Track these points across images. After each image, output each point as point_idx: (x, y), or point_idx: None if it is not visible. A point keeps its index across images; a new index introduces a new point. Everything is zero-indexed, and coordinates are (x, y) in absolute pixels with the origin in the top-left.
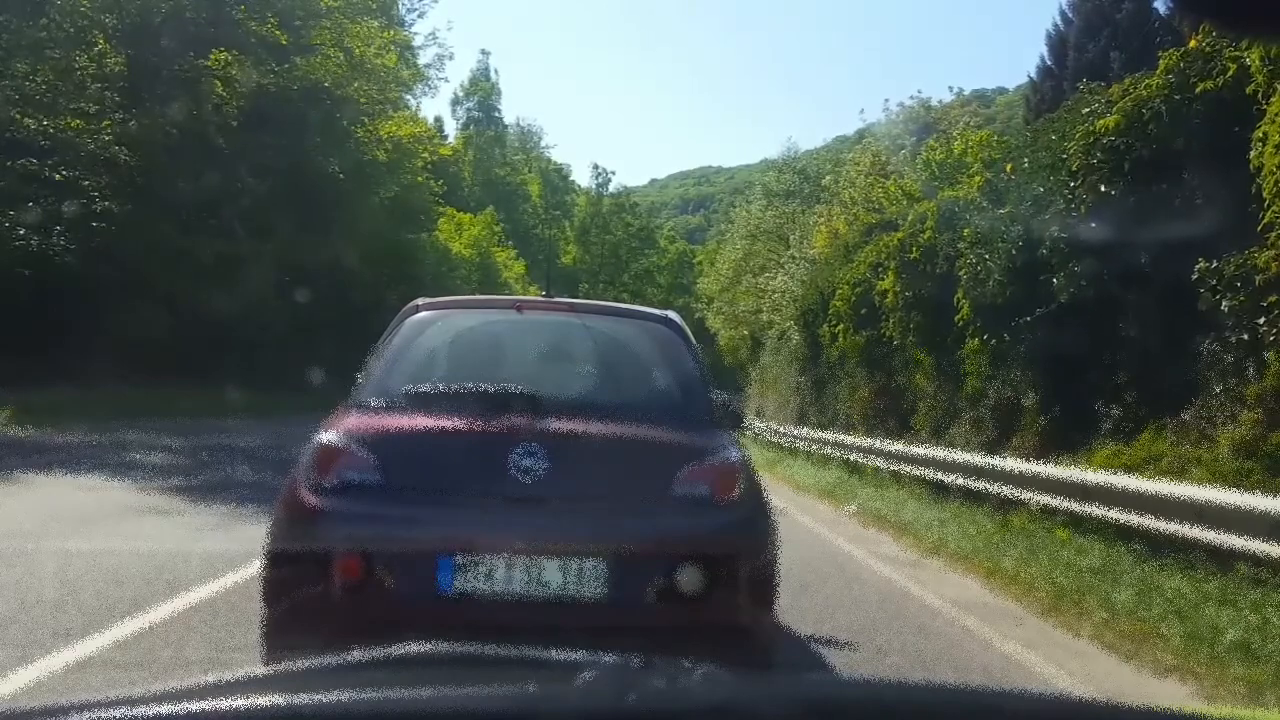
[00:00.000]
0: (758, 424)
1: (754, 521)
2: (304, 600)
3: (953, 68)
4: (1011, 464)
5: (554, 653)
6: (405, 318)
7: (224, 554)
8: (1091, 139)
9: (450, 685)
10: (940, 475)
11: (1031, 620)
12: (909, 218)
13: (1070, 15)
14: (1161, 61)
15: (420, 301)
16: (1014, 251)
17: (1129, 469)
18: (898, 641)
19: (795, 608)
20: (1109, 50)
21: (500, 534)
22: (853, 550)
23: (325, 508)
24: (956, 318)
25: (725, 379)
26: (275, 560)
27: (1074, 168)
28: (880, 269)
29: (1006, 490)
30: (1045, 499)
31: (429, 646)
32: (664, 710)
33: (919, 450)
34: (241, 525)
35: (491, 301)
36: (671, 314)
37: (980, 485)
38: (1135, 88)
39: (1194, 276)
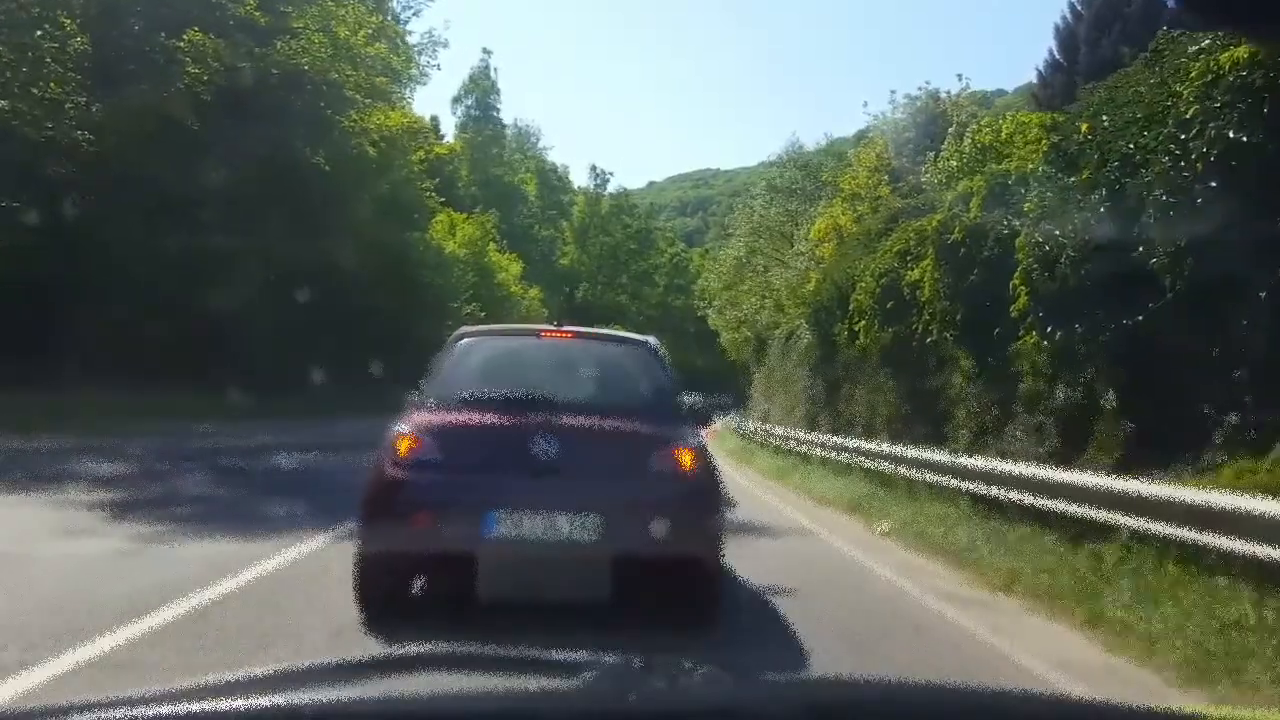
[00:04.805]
0: (762, 428)
1: (707, 489)
2: (391, 544)
3: (953, 69)
4: (1100, 480)
5: (555, 653)
6: (455, 342)
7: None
8: (1213, 76)
9: (450, 685)
10: (995, 490)
11: (1173, 696)
12: (947, 197)
13: (1080, 9)
14: None
15: (465, 329)
16: (1093, 223)
17: (1268, 491)
18: None
19: (853, 666)
20: (1120, 45)
21: (526, 497)
22: (905, 585)
23: (403, 478)
24: (1012, 308)
25: (727, 381)
26: (368, 518)
27: (1186, 114)
28: (911, 257)
29: (1088, 511)
30: (1146, 525)
31: (429, 646)
32: (664, 710)
33: (968, 461)
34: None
35: (519, 329)
36: (650, 339)
37: (1052, 504)
38: None
39: None
